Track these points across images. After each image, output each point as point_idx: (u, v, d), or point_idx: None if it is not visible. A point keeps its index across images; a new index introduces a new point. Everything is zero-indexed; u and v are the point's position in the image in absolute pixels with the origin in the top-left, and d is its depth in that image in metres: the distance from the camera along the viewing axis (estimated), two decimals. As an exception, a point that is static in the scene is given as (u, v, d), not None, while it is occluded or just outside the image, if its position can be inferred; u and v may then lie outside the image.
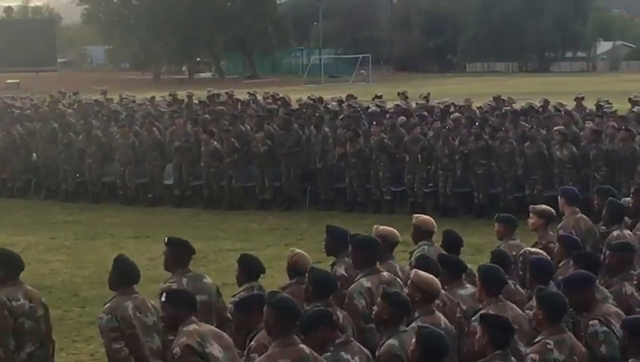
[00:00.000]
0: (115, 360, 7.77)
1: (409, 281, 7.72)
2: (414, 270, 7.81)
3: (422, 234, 9.68)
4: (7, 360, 7.86)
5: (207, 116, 22.07)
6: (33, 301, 8.09)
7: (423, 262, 8.36)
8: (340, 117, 21.37)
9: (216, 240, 17.25)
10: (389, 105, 24.44)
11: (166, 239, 8.65)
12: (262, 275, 8.63)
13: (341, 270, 9.00)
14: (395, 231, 9.37)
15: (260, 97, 26.94)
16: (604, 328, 7.28)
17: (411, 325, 7.17)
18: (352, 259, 8.72)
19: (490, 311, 7.29)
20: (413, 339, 6.44)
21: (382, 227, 9.44)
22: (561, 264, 9.19)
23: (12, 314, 7.91)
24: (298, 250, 8.76)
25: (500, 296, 7.86)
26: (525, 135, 19.00)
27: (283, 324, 6.60)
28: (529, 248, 9.39)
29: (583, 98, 23.82)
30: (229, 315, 8.23)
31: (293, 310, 6.68)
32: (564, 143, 18.07)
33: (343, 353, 6.86)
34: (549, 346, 6.91)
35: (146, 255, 15.90)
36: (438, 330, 6.67)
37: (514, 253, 9.57)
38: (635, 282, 8.28)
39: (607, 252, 8.79)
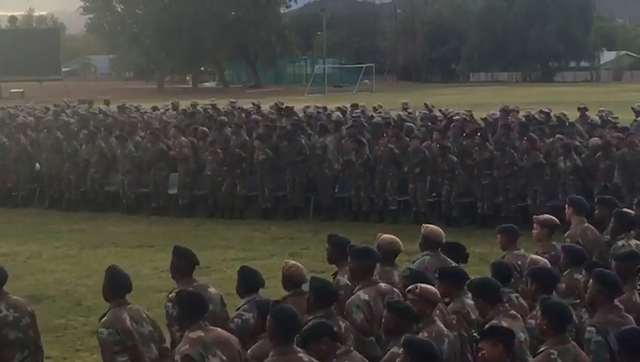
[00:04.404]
0: None
1: (408, 294, 7.73)
2: (417, 284, 7.80)
3: (429, 244, 9.66)
4: None
5: (204, 128, 21.97)
6: (18, 310, 8.06)
7: (412, 277, 8.38)
8: (346, 126, 21.40)
9: (220, 250, 17.24)
10: (393, 114, 24.49)
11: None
12: (266, 283, 8.63)
13: (344, 279, 9.00)
14: (398, 239, 9.37)
15: (264, 107, 26.98)
16: (599, 338, 7.32)
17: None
18: (349, 270, 8.72)
19: (498, 323, 7.32)
20: (401, 350, 6.47)
21: (384, 235, 9.45)
22: (565, 273, 9.20)
23: None
24: (292, 262, 8.75)
25: (506, 304, 7.89)
26: (525, 145, 18.95)
27: (283, 333, 6.65)
28: (533, 255, 9.39)
29: (586, 109, 23.85)
30: (232, 326, 8.24)
31: (294, 320, 6.73)
32: (568, 155, 18.06)
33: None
34: (552, 356, 6.92)
35: (150, 264, 15.94)
36: (425, 339, 6.72)
37: (519, 262, 9.58)
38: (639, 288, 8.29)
39: (614, 262, 8.79)
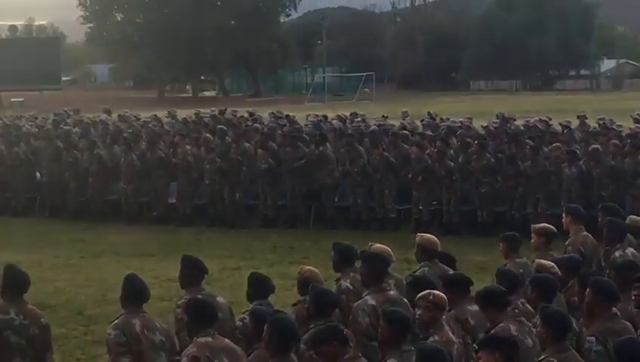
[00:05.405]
0: None
1: (419, 301, 7.74)
2: (430, 291, 7.81)
3: (425, 252, 9.68)
4: None
5: (208, 136, 22.01)
6: (28, 319, 8.02)
7: (415, 283, 8.37)
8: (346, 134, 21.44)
9: (220, 259, 17.19)
10: (396, 123, 24.56)
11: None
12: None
13: (346, 283, 9.07)
14: (389, 250, 9.39)
15: (262, 115, 27.08)
16: (600, 347, 7.32)
17: (429, 340, 7.26)
18: (360, 275, 8.74)
19: (499, 332, 7.32)
20: (414, 358, 6.47)
21: (376, 245, 9.48)
22: (569, 285, 9.11)
23: None
24: (308, 267, 8.82)
25: (515, 310, 7.89)
26: (527, 154, 18.96)
27: (279, 343, 6.66)
28: (538, 260, 9.36)
29: (585, 117, 23.90)
30: (239, 335, 8.27)
31: (290, 330, 6.75)
32: (573, 162, 18.05)
33: None
34: (553, 365, 6.93)
35: (151, 273, 15.88)
36: (435, 346, 6.73)
37: (521, 270, 9.55)
38: (634, 298, 8.25)
39: (611, 272, 8.76)
